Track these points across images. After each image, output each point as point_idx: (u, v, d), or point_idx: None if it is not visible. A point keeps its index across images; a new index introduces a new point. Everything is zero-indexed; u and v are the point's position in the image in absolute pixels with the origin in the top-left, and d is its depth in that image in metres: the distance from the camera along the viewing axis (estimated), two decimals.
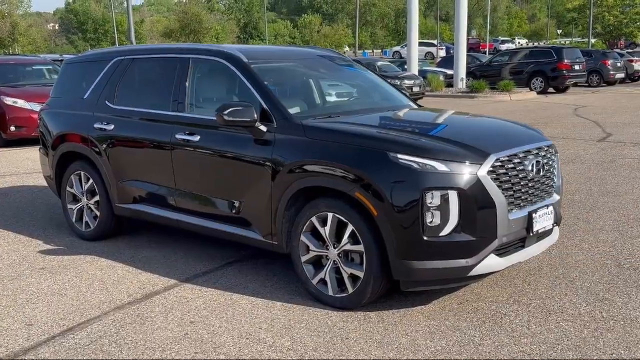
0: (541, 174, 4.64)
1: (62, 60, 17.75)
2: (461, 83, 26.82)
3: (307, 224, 4.67)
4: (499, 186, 4.27)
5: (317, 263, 4.73)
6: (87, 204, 6.44)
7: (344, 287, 4.55)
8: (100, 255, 6.01)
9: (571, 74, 26.30)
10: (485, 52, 46.65)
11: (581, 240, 6.07)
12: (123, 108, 6.05)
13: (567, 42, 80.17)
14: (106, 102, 6.18)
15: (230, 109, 4.80)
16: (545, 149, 4.80)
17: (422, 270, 4.21)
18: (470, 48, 45.41)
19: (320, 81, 6.00)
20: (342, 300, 4.55)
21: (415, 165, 4.18)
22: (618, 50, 35.86)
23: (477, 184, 4.19)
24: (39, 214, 7.64)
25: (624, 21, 54.41)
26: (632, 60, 33.09)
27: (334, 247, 4.55)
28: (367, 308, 4.57)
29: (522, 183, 4.46)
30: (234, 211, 5.15)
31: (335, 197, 4.51)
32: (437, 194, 4.13)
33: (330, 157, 4.49)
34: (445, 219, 4.16)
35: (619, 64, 30.98)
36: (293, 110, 5.03)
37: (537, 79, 26.59)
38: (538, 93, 25.99)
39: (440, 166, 4.18)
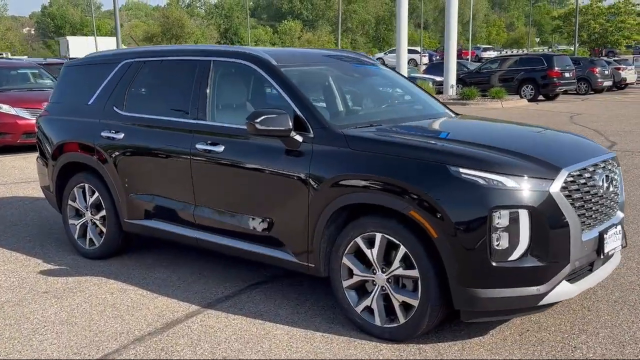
0: (610, 189, 4.21)
1: (47, 64, 17.16)
2: (452, 90, 26.50)
3: (350, 245, 4.20)
4: (571, 204, 3.84)
5: (361, 289, 4.25)
6: (91, 220, 5.91)
7: (394, 316, 4.08)
8: (108, 276, 5.48)
9: (562, 81, 26.12)
10: (467, 60, 46.45)
11: (627, 258, 5.65)
12: (134, 115, 5.53)
13: (546, 50, 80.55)
14: (114, 108, 5.66)
15: (263, 117, 4.33)
16: (610, 162, 4.38)
17: (488, 300, 3.76)
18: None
19: (354, 86, 5.54)
20: (392, 332, 4.08)
21: (481, 181, 3.73)
22: (605, 58, 35.81)
23: (549, 201, 3.75)
24: (34, 229, 7.07)
25: (610, 29, 54.67)
26: (619, 68, 33.04)
27: (383, 272, 4.08)
28: (420, 339, 4.10)
29: (593, 200, 4.03)
30: (263, 230, 4.66)
31: (386, 215, 4.05)
32: (506, 213, 3.68)
33: (379, 171, 4.03)
34: (514, 241, 3.71)
35: (606, 72, 30.91)
36: (331, 119, 4.55)
37: (527, 87, 26.37)
38: (529, 100, 25.76)
39: (509, 182, 3.73)
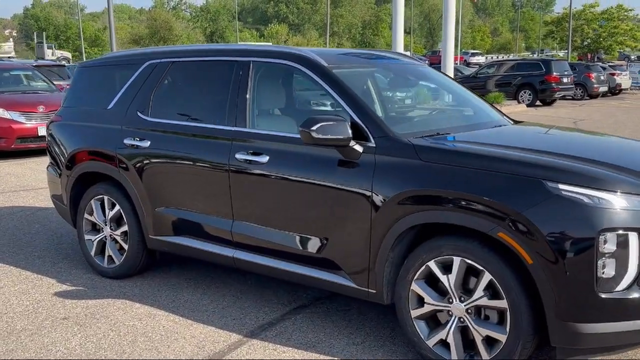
0: None
1: (37, 66, 16.54)
2: None
3: (421, 270, 3.72)
4: None
5: (434, 319, 3.78)
6: (111, 235, 5.38)
7: (474, 352, 3.61)
8: (132, 298, 4.96)
9: (560, 86, 25.85)
10: (457, 64, 46.16)
11: None
12: (161, 121, 5.02)
13: (531, 55, 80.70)
14: (138, 113, 5.14)
15: (320, 124, 3.84)
16: None
17: (592, 336, 3.28)
18: (440, 61, 44.94)
19: (408, 90, 5.08)
20: None
21: (585, 199, 3.26)
22: (600, 64, 35.66)
23: None
24: (42, 243, 6.52)
25: (603, 35, 54.60)
26: (614, 74, 32.88)
27: (461, 301, 3.60)
28: None
29: None
30: (315, 250, 4.17)
31: (466, 237, 3.57)
32: (614, 236, 3.21)
33: (459, 187, 3.55)
34: (622, 268, 3.24)
35: (602, 78, 30.71)
36: (393, 126, 4.06)
37: (525, 92, 26.05)
38: (527, 106, 25.44)
39: (617, 200, 3.27)
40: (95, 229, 5.55)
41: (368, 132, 3.97)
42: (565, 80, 26.26)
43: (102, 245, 5.49)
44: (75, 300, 4.93)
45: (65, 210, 5.75)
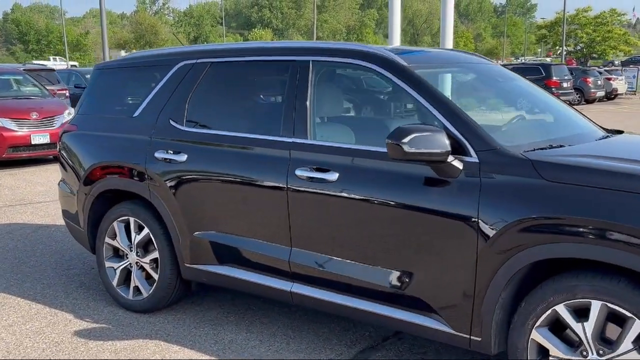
0: None
1: (26, 70, 15.69)
2: None
3: (546, 315, 3.03)
4: None
5: None
6: (137, 263, 4.64)
7: None
8: (167, 339, 4.23)
9: (560, 91, 25.33)
10: None
11: None
12: (200, 131, 4.31)
13: (515, 61, 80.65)
14: (171, 122, 4.42)
15: (413, 136, 3.16)
16: None
17: None
18: None
19: (500, 95, 4.41)
20: None
21: None
22: (597, 68, 35.30)
23: None
24: (50, 268, 5.76)
25: (597, 39, 54.31)
26: (610, 79, 32.51)
27: (599, 355, 2.91)
28: None
29: None
30: (399, 286, 3.48)
31: (608, 274, 2.89)
32: None
33: (602, 213, 2.86)
34: None
35: (599, 82, 30.31)
36: (498, 137, 3.37)
37: None
38: None
39: None
40: (118, 255, 4.81)
41: (467, 145, 3.29)
42: (565, 85, 25.81)
43: (126, 274, 4.75)
44: (101, 342, 4.19)
45: (81, 233, 5.00)
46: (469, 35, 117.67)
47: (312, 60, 3.94)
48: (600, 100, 31.74)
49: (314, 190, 3.70)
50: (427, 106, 3.48)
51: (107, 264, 4.81)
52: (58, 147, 5.24)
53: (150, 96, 4.61)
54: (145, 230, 4.54)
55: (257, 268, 4.07)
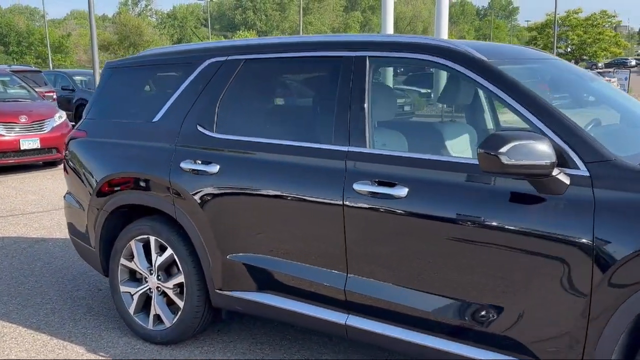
0: None
1: (12, 71, 15.00)
2: None
3: None
4: None
5: None
6: (158, 287, 4.07)
7: None
8: None
9: (555, 95, 24.94)
10: None
11: None
12: (235, 139, 3.75)
13: None
14: (199, 128, 3.87)
15: (513, 145, 2.65)
16: None
17: None
18: None
19: (591, 95, 3.90)
20: None
21: None
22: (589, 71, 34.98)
23: None
24: (52, 290, 5.18)
25: (588, 41, 54.11)
26: None
27: None
28: None
29: None
30: (482, 323, 2.95)
31: None
32: None
33: None
34: None
35: None
36: (609, 146, 2.85)
37: None
38: None
39: None
40: (135, 278, 4.25)
41: (574, 155, 2.77)
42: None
43: (145, 300, 4.19)
44: None
45: (92, 253, 4.43)
46: (452, 37, 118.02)
47: (369, 56, 3.40)
48: (592, 104, 31.39)
49: (378, 208, 3.16)
50: (519, 108, 2.96)
51: (123, 288, 4.24)
52: (64, 155, 4.64)
53: (173, 99, 4.06)
54: (169, 251, 3.98)
55: (303, 296, 3.53)
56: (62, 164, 4.77)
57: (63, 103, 17.10)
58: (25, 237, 6.84)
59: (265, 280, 3.66)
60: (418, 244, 3.09)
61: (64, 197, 4.77)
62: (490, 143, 2.68)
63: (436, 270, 3.07)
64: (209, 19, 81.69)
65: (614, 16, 52.73)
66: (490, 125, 4.45)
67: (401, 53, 3.38)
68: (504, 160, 2.64)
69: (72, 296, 5.02)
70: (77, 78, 19.89)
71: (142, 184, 4.04)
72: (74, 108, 18.21)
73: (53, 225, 7.30)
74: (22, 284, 5.31)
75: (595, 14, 52.80)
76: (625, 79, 34.66)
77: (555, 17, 42.76)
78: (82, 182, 4.41)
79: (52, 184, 9.93)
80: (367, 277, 3.27)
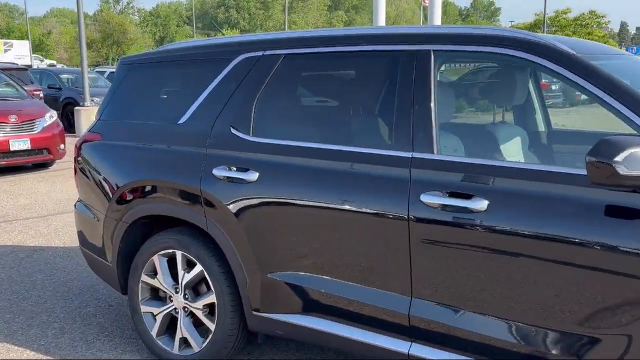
0: None
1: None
2: None
3: None
4: None
5: None
6: (185, 308, 3.66)
7: None
8: None
9: (549, 94, 24.73)
10: None
11: None
12: (275, 142, 3.35)
13: None
14: (233, 130, 3.46)
15: (629, 152, 2.28)
16: None
17: None
18: None
19: None
20: None
21: None
22: None
23: None
24: (57, 306, 4.75)
25: None
26: None
27: None
28: None
29: None
30: (576, 352, 2.57)
31: None
32: None
33: None
34: None
35: None
36: None
37: None
38: None
39: None
40: (158, 297, 3.83)
41: None
42: (553, 87, 25.18)
43: (169, 322, 3.77)
44: None
45: (108, 268, 4.00)
46: None
47: (434, 50, 3.01)
48: (584, 103, 31.34)
49: (451, 222, 2.77)
50: (622, 110, 2.58)
51: (144, 308, 3.82)
52: (76, 160, 4.21)
53: (202, 98, 3.64)
54: (198, 268, 3.57)
55: (358, 321, 3.13)
56: (72, 168, 4.34)
57: (50, 102, 16.50)
58: (22, 245, 6.38)
59: (312, 302, 3.26)
60: (500, 265, 2.71)
61: (75, 205, 4.34)
62: (602, 150, 2.31)
63: (523, 295, 2.68)
64: (193, 16, 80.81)
65: (602, 16, 52.78)
66: (542, 127, 4.10)
67: (472, 46, 2.99)
68: (621, 170, 2.27)
69: (81, 313, 4.59)
70: (64, 76, 19.32)
71: (168, 192, 3.63)
72: (61, 107, 17.64)
73: (50, 232, 6.85)
74: (24, 299, 4.87)
75: (584, 14, 52.74)
76: None
77: (544, 17, 42.70)
78: (98, 189, 3.99)
79: (45, 187, 9.45)
80: (436, 301, 2.89)
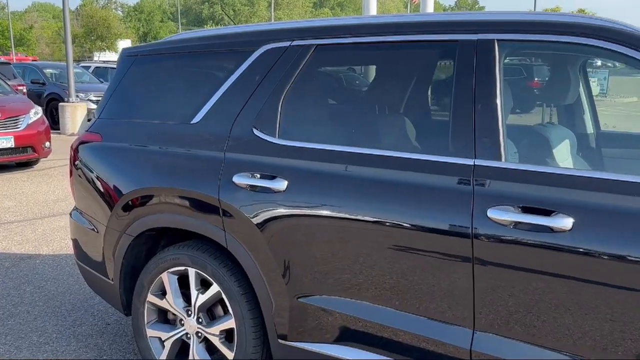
0: None
1: None
2: None
3: None
4: None
5: None
6: (199, 333, 3.21)
7: None
8: None
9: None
10: None
11: None
12: (307, 146, 2.90)
13: None
14: (256, 131, 3.01)
15: None
16: None
17: None
18: None
19: None
20: None
21: None
22: None
23: None
24: (48, 323, 4.29)
25: None
26: None
27: None
28: None
29: None
30: None
31: None
32: None
33: None
34: None
35: None
36: None
37: None
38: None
39: None
40: (167, 320, 3.38)
41: None
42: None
43: (179, 347, 3.32)
44: None
45: (109, 286, 3.54)
46: None
47: (499, 40, 2.58)
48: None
49: (526, 242, 2.35)
50: None
51: (150, 332, 3.37)
52: (73, 163, 3.74)
53: (218, 95, 3.19)
54: (214, 288, 3.12)
55: (406, 354, 2.69)
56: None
57: (33, 98, 15.93)
58: (8, 252, 5.89)
59: (349, 331, 2.82)
60: (586, 296, 2.28)
61: (70, 214, 3.86)
62: None
63: (615, 333, 2.26)
64: (178, 12, 79.91)
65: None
66: (590, 129, 3.70)
67: (545, 36, 2.56)
68: None
69: (75, 333, 4.13)
70: (48, 71, 18.71)
71: (180, 202, 3.17)
72: (45, 103, 17.05)
73: (38, 237, 6.36)
74: (12, 315, 4.40)
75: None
76: (605, 78, 34.49)
77: None
78: (98, 197, 3.52)
79: (29, 188, 8.93)
80: (504, 335, 2.46)
